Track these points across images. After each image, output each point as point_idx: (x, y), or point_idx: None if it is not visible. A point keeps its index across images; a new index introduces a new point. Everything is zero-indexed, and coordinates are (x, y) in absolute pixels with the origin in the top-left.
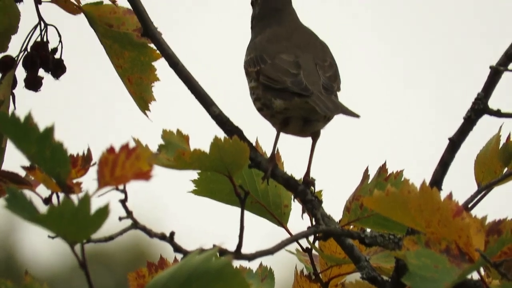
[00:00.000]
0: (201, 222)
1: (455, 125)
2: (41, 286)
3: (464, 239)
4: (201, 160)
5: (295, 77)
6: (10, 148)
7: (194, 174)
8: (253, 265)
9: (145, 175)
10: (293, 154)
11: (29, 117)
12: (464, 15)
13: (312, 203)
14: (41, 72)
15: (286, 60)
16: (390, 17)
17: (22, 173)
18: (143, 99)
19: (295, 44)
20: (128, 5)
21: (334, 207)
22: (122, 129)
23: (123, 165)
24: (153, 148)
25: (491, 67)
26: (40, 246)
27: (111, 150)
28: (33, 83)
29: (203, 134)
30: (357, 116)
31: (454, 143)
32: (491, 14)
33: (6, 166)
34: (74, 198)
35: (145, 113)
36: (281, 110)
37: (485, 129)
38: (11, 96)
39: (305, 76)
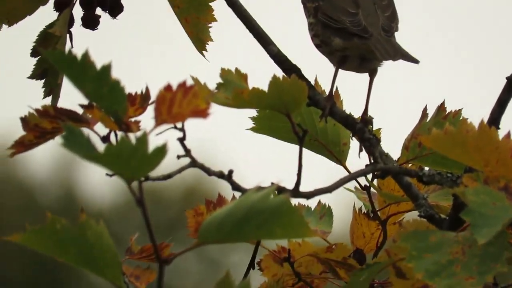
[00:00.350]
0: (259, 160)
1: None
2: (97, 224)
3: None
4: (260, 99)
5: (354, 16)
6: (67, 86)
7: (252, 112)
8: (312, 203)
9: (203, 113)
10: (352, 92)
11: (86, 55)
12: None
13: (370, 141)
14: (98, 11)
15: None
16: None
17: (80, 111)
18: (200, 40)
19: None
20: None
21: (392, 146)
22: (180, 69)
23: (180, 103)
24: (211, 87)
25: None
26: (97, 183)
27: (168, 88)
28: (90, 22)
29: (261, 73)
30: (416, 61)
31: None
32: None
33: (63, 104)
34: (132, 136)
35: (202, 54)
36: (340, 49)
37: None
38: (68, 34)
39: (364, 15)
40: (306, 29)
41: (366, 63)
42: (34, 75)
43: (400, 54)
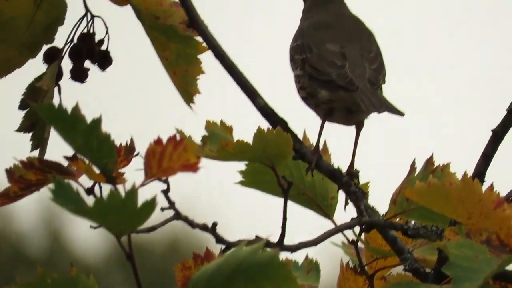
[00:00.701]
0: (244, 214)
1: (499, 117)
2: (88, 278)
3: (505, 230)
4: (244, 151)
5: (340, 69)
6: (53, 137)
7: (240, 165)
8: (299, 258)
9: (193, 167)
10: (340, 146)
11: (76, 108)
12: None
13: (356, 194)
14: (87, 63)
15: (332, 50)
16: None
17: (64, 163)
18: (187, 92)
19: (342, 32)
20: None
21: (381, 200)
22: (167, 121)
23: (171, 156)
24: (196, 139)
25: None
26: (84, 234)
27: (158, 141)
28: (79, 74)
29: (248, 126)
30: (402, 114)
31: (497, 135)
32: None
33: (48, 156)
34: (120, 189)
35: (189, 106)
36: (327, 101)
37: None
38: (56, 87)
39: (351, 68)
40: (293, 82)
41: (353, 116)
42: (22, 128)
43: (385, 106)
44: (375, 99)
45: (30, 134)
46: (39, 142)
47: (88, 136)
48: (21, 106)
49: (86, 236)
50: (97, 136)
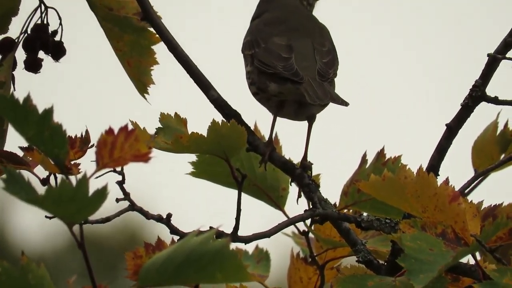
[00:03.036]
0: (197, 205)
1: (453, 111)
2: (38, 267)
3: (460, 224)
4: (199, 144)
5: (286, 61)
6: (10, 129)
7: (192, 157)
8: (250, 247)
9: (144, 157)
10: (291, 137)
11: (28, 99)
12: (464, 1)
13: (309, 186)
14: (41, 54)
15: (278, 43)
16: (387, 3)
17: (20, 154)
18: (142, 82)
19: (292, 27)
20: None
21: (331, 192)
22: (120, 112)
23: (122, 147)
24: (151, 131)
25: (488, 55)
26: (30, 226)
27: (109, 131)
28: (33, 65)
29: (202, 118)
30: (346, 104)
31: (451, 130)
32: (490, 1)
33: (5, 147)
34: (73, 179)
35: (143, 96)
36: (276, 94)
37: (482, 116)
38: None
39: (298, 60)
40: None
41: (303, 109)
42: None
43: (330, 97)
44: (320, 90)
45: None
46: None
47: (39, 127)
48: None
49: (37, 226)
50: (49, 126)
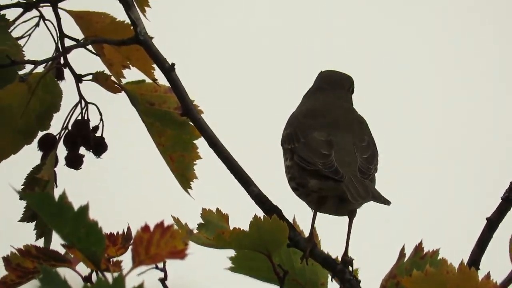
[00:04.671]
0: None
1: (493, 205)
2: None
3: None
4: (241, 239)
5: (326, 158)
6: None
7: (231, 252)
8: None
9: (180, 254)
10: (329, 231)
11: (63, 196)
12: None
13: (350, 282)
14: (82, 150)
15: (318, 139)
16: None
17: (62, 251)
18: (185, 177)
19: (331, 120)
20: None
21: (370, 286)
22: (162, 207)
23: (158, 243)
24: (192, 226)
25: None
26: None
27: (146, 228)
28: (74, 161)
29: (242, 213)
30: (388, 203)
31: (492, 223)
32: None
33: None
34: (110, 277)
35: (187, 191)
36: (317, 190)
37: None
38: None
39: (338, 156)
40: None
41: (344, 205)
42: (25, 218)
43: (371, 196)
44: (362, 188)
45: (34, 223)
46: (43, 231)
47: (75, 224)
48: (22, 197)
49: None
50: (84, 224)
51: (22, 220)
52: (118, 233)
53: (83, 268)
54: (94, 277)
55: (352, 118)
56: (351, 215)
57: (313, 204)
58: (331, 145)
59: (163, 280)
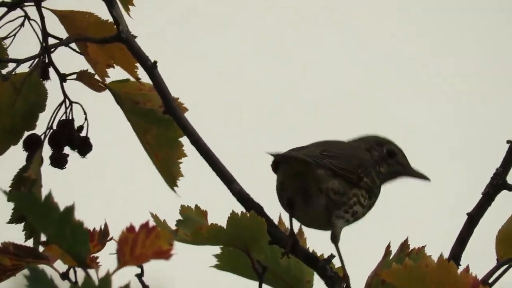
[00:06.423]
0: None
1: (473, 200)
2: None
3: None
4: (218, 235)
5: (287, 153)
6: None
7: (216, 249)
8: None
9: (165, 254)
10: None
11: (49, 197)
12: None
13: (332, 279)
14: (67, 149)
15: (295, 148)
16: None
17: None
18: (171, 175)
19: (324, 144)
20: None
21: (355, 283)
22: (147, 206)
23: (143, 244)
24: (172, 222)
25: (509, 141)
26: None
27: (131, 229)
28: (59, 161)
29: (225, 211)
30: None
31: (473, 218)
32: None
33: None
34: (92, 273)
35: (173, 189)
36: (281, 181)
37: (503, 204)
38: None
39: (296, 150)
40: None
41: (309, 200)
42: (13, 220)
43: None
44: (295, 153)
45: (22, 224)
46: (33, 232)
47: (61, 224)
48: (10, 198)
49: None
50: (70, 224)
51: (10, 221)
52: (95, 229)
53: (60, 265)
54: (71, 273)
55: (353, 153)
56: (334, 240)
57: (286, 208)
58: (302, 147)
59: (140, 276)
